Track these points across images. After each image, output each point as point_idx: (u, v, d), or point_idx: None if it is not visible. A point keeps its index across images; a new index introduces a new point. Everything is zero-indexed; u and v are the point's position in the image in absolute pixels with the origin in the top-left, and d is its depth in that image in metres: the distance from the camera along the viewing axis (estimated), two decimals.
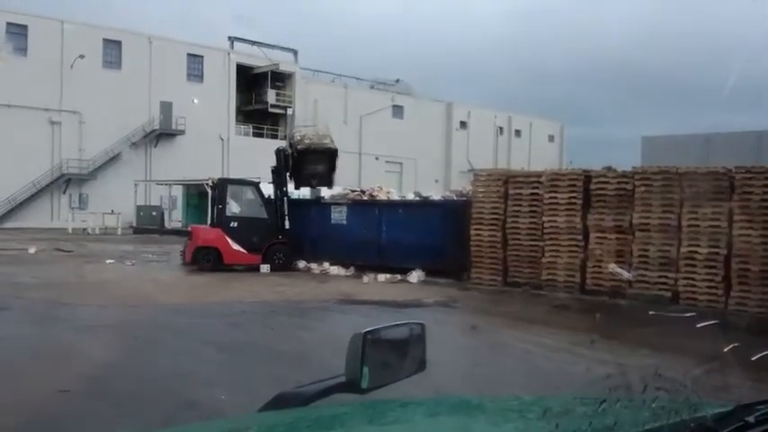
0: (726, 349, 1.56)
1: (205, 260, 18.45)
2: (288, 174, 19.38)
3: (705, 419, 1.25)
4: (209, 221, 20.52)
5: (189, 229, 21.09)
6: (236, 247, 18.53)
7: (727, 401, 1.36)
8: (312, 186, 20.83)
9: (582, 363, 8.02)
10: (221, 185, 19.83)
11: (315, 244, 19.13)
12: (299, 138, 20.28)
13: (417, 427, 1.61)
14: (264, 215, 18.99)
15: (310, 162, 19.80)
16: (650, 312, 9.59)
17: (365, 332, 1.70)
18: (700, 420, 1.24)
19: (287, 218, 18.99)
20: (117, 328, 10.14)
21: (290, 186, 19.90)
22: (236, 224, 18.80)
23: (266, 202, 19.24)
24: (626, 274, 13.41)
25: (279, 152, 19.78)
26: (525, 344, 9.52)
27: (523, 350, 9.17)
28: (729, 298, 12.49)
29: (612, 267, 13.57)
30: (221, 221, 18.85)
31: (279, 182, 19.23)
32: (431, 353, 1.90)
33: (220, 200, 19.15)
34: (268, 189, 19.57)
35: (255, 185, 19.93)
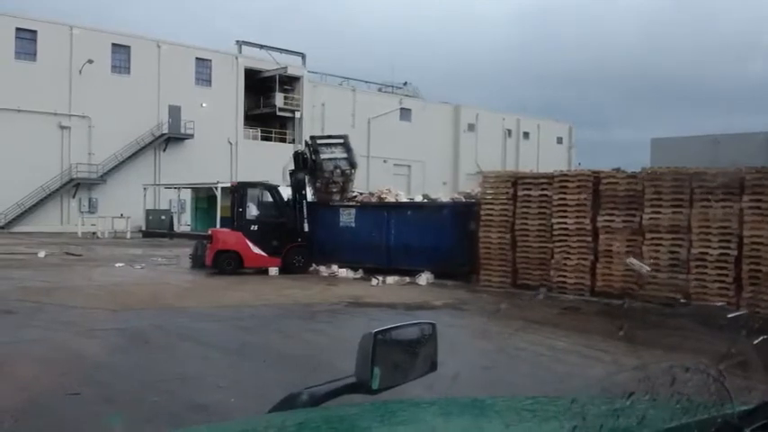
0: (747, 349, 1.52)
1: (226, 264, 18.48)
2: (307, 176, 19.40)
3: (732, 416, 1.22)
4: (218, 224, 20.52)
5: (209, 232, 21.14)
6: (256, 250, 18.58)
7: (749, 399, 1.33)
8: (336, 178, 19.94)
9: (597, 366, 7.98)
10: (241, 189, 19.83)
11: (323, 247, 19.11)
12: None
13: (429, 427, 1.58)
14: (284, 218, 19.03)
15: (327, 147, 19.99)
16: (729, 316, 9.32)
17: (375, 332, 1.67)
18: (726, 417, 1.21)
19: (306, 221, 19.02)
20: (126, 331, 10.15)
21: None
22: (256, 227, 18.86)
23: (285, 204, 19.29)
24: (644, 268, 13.30)
25: (297, 155, 19.92)
26: (537, 346, 9.46)
27: (535, 353, 9.11)
28: (741, 299, 12.39)
29: (630, 261, 13.47)
30: (241, 225, 18.89)
31: (297, 185, 19.25)
32: (440, 356, 1.87)
33: (240, 203, 19.17)
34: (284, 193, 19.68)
35: (275, 189, 19.99)
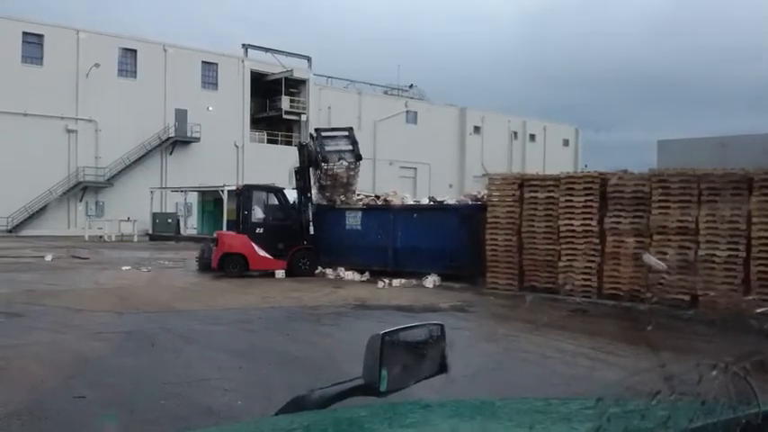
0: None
1: (232, 267, 18.50)
2: (312, 170, 19.39)
3: (757, 416, 1.19)
4: (224, 227, 20.52)
5: (215, 235, 21.23)
6: (262, 253, 18.61)
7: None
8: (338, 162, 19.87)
9: (604, 369, 7.94)
10: (247, 192, 19.86)
11: (329, 249, 19.11)
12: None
13: (440, 429, 1.56)
14: (290, 221, 19.04)
15: (331, 139, 20.07)
16: None
17: (383, 334, 1.65)
18: (750, 418, 1.19)
19: (311, 223, 19.02)
20: (132, 334, 10.15)
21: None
22: (261, 230, 18.89)
23: (291, 207, 19.30)
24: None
25: (302, 147, 20.00)
26: (544, 349, 9.42)
27: (542, 355, 9.08)
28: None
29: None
30: (247, 228, 18.92)
31: (303, 186, 19.25)
32: (448, 358, 1.85)
33: (246, 206, 19.19)
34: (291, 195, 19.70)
35: (280, 191, 20.01)
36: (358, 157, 20.10)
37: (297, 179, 19.56)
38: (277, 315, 12.51)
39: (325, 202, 19.81)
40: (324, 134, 20.51)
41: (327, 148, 19.59)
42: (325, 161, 19.43)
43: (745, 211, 12.50)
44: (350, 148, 20.01)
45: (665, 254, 13.30)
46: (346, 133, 20.69)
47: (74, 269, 20.92)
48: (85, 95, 46.00)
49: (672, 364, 1.28)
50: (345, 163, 19.75)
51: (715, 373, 1.22)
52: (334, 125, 54.28)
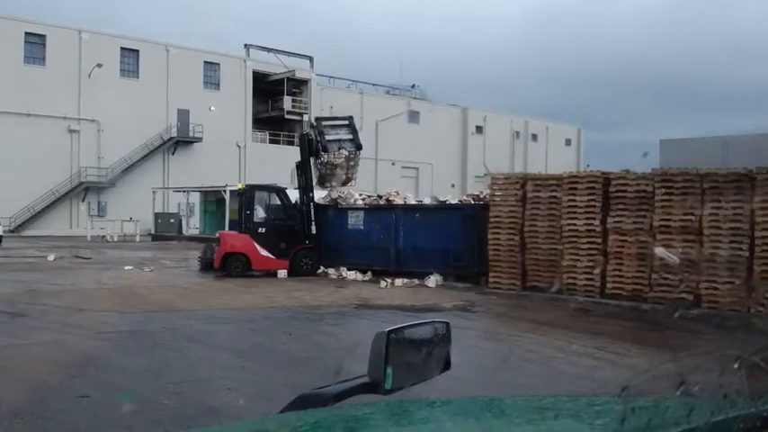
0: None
1: (234, 266, 18.51)
2: (313, 160, 19.37)
3: None
4: (226, 227, 20.53)
5: (217, 235, 21.23)
6: (264, 252, 18.62)
7: None
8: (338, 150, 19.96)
9: (608, 368, 7.93)
10: (249, 192, 19.86)
11: (332, 249, 19.11)
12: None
13: (445, 427, 1.54)
14: (292, 221, 19.04)
15: (332, 128, 20.10)
16: None
17: (389, 331, 1.64)
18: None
19: (313, 223, 19.03)
20: (135, 334, 10.15)
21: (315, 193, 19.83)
22: (263, 230, 18.89)
23: (293, 207, 19.30)
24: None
25: (303, 137, 20.03)
26: (547, 348, 9.41)
27: (546, 355, 9.06)
28: (752, 300, 12.27)
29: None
30: (249, 227, 18.93)
31: (305, 184, 19.25)
32: (451, 358, 1.84)
33: (248, 206, 19.20)
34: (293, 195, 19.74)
35: (282, 191, 20.00)
36: (358, 147, 20.12)
37: (298, 174, 19.52)
38: (279, 315, 12.49)
39: (326, 194, 19.81)
40: (324, 123, 20.51)
41: (328, 138, 19.62)
42: (325, 150, 19.46)
43: (748, 211, 12.48)
44: (350, 137, 20.06)
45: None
46: (347, 122, 20.74)
47: (76, 269, 20.92)
48: (88, 96, 46.04)
49: (695, 357, 1.27)
50: (345, 152, 19.75)
51: (737, 366, 1.21)
52: None
